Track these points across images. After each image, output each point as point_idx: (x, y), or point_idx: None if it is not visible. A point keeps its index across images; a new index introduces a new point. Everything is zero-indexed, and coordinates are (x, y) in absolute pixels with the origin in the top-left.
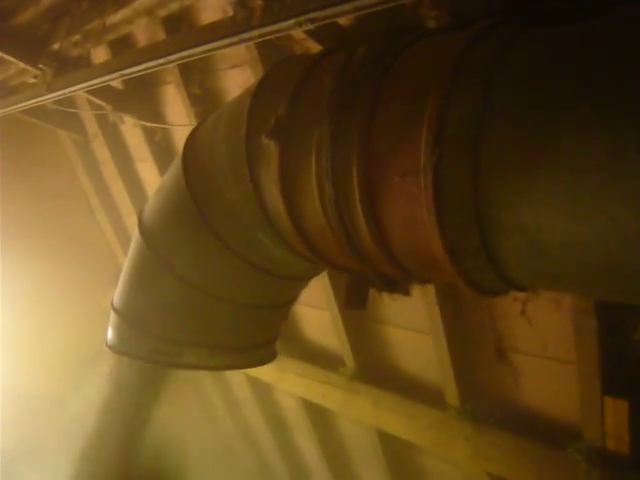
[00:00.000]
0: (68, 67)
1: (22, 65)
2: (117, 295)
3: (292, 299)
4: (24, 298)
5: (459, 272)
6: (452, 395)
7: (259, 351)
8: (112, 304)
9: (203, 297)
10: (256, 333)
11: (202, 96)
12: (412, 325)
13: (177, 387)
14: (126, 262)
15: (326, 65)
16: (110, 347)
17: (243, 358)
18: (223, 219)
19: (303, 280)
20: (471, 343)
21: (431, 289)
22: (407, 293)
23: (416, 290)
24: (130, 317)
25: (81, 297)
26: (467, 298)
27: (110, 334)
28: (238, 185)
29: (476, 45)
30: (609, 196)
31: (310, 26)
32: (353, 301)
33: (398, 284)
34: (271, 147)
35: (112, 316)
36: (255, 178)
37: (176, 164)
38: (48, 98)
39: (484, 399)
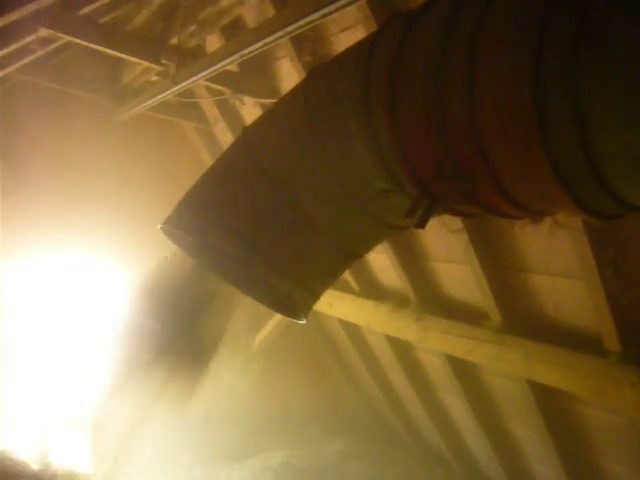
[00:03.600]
0: (187, 59)
1: (146, 64)
2: (192, 186)
3: (354, 253)
4: None
5: (574, 201)
6: (612, 341)
7: (297, 291)
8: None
9: (273, 194)
10: (299, 266)
11: (316, 64)
12: (560, 271)
13: (323, 360)
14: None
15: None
16: (161, 227)
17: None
18: (323, 108)
19: (373, 221)
20: (628, 282)
21: (580, 228)
22: (473, 205)
23: (563, 233)
24: (196, 201)
25: None
26: (620, 236)
27: (166, 218)
28: (351, 77)
29: None
30: None
31: None
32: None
33: (472, 181)
34: (394, 28)
35: (177, 204)
36: (367, 65)
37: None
38: (176, 90)
39: None
